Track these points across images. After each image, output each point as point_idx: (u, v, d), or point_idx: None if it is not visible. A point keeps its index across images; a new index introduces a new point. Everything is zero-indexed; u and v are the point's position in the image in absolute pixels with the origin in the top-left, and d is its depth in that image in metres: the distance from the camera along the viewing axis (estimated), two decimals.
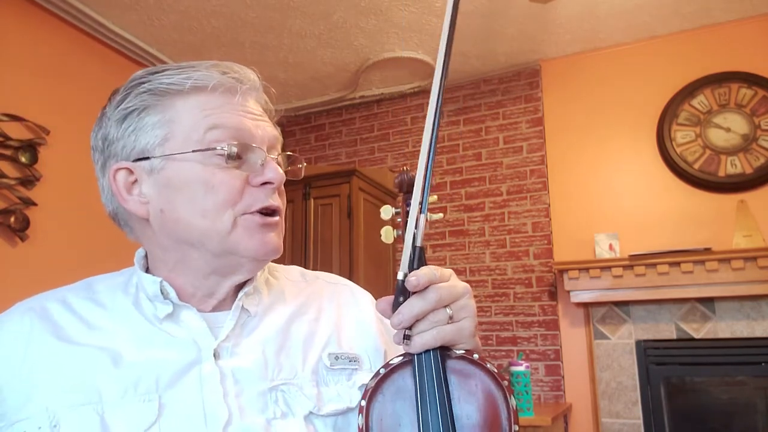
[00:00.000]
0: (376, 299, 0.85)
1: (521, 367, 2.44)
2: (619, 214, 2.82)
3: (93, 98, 2.62)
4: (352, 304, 0.79)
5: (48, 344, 0.62)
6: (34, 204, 2.27)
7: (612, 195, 2.86)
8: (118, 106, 0.67)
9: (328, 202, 2.97)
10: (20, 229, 2.21)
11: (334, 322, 0.74)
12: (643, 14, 2.72)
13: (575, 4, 2.61)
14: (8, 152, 2.21)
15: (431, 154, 0.60)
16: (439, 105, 0.60)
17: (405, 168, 0.70)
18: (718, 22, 2.79)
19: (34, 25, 2.41)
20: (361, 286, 0.87)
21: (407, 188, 0.68)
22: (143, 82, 0.67)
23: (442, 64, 0.60)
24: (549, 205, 2.99)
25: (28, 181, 2.27)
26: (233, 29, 2.76)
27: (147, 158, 0.65)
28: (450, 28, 0.60)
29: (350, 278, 0.88)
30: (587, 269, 2.67)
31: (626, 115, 2.91)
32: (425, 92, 3.42)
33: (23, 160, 2.25)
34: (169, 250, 0.67)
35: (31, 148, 2.28)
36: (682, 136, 2.76)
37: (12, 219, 2.18)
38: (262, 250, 0.66)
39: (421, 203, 0.60)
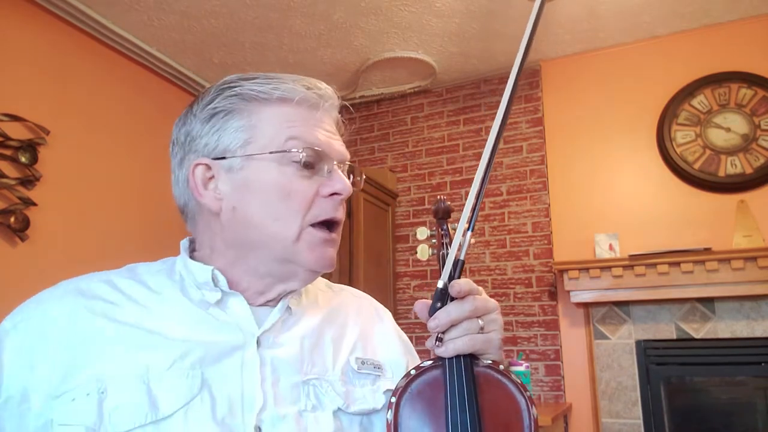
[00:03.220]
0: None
1: (521, 367, 2.44)
2: (619, 214, 2.82)
3: (93, 98, 2.64)
4: (375, 318, 0.84)
5: (92, 322, 0.64)
6: (34, 204, 2.27)
7: (612, 195, 2.86)
8: (206, 106, 0.71)
9: None
10: (20, 229, 2.21)
11: (360, 331, 0.79)
12: (643, 14, 2.72)
13: (575, 4, 2.61)
14: (8, 152, 2.21)
15: (485, 179, 0.65)
16: (500, 135, 0.66)
17: (441, 197, 0.79)
18: (718, 22, 2.79)
19: (34, 26, 2.41)
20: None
21: (443, 215, 0.76)
22: (234, 86, 0.70)
23: (505, 107, 0.66)
24: (549, 205, 2.99)
25: (28, 181, 2.27)
26: (233, 29, 2.76)
27: (227, 157, 0.69)
28: (525, 55, 0.64)
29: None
30: (587, 269, 2.67)
31: (626, 115, 2.91)
32: (425, 92, 3.42)
33: (23, 160, 2.25)
34: (232, 246, 0.70)
35: (31, 148, 2.28)
36: (682, 136, 2.76)
37: (12, 219, 2.18)
38: (320, 263, 0.70)
39: (469, 221, 0.65)
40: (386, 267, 3.21)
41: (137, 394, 0.59)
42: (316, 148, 0.69)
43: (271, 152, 0.68)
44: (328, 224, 0.71)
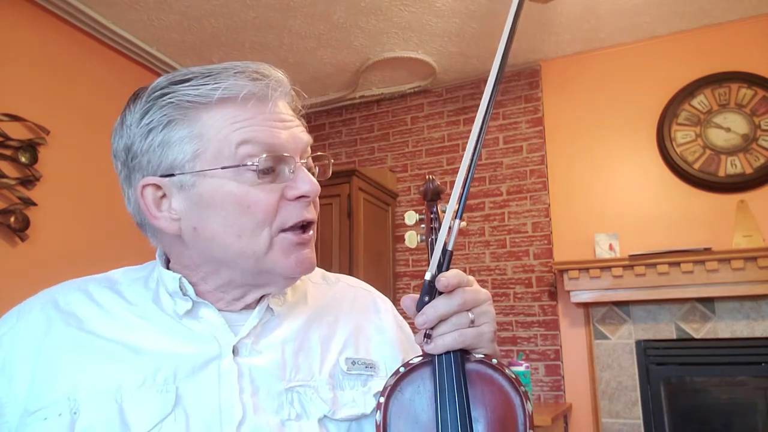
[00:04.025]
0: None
1: (521, 367, 2.43)
2: (619, 214, 2.82)
3: (93, 98, 2.64)
4: (372, 310, 0.79)
5: (68, 335, 0.62)
6: (34, 204, 2.27)
7: (612, 195, 2.86)
8: (141, 119, 0.64)
9: (328, 202, 2.97)
10: (20, 229, 2.21)
11: (353, 327, 0.74)
12: (643, 14, 2.72)
13: (575, 4, 2.61)
14: (8, 152, 2.21)
15: (472, 166, 0.61)
16: (486, 121, 0.62)
17: (430, 176, 0.72)
18: (718, 22, 2.79)
19: (34, 25, 2.41)
20: None
21: (432, 196, 0.71)
22: (165, 94, 0.64)
23: (490, 91, 0.62)
24: (549, 205, 2.99)
25: (28, 181, 2.27)
26: (233, 29, 2.76)
27: (176, 174, 0.63)
28: (506, 51, 0.62)
29: None
30: (587, 269, 2.67)
31: (626, 115, 2.91)
32: (425, 92, 3.42)
33: (23, 160, 2.25)
34: (202, 264, 0.66)
35: (31, 148, 2.28)
36: (682, 136, 2.76)
37: (12, 219, 2.18)
38: (299, 269, 0.66)
39: (457, 210, 0.61)
40: (386, 267, 3.21)
41: (109, 415, 0.57)
42: (274, 153, 0.63)
43: (223, 167, 0.61)
44: (301, 225, 0.66)
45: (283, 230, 0.64)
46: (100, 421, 0.57)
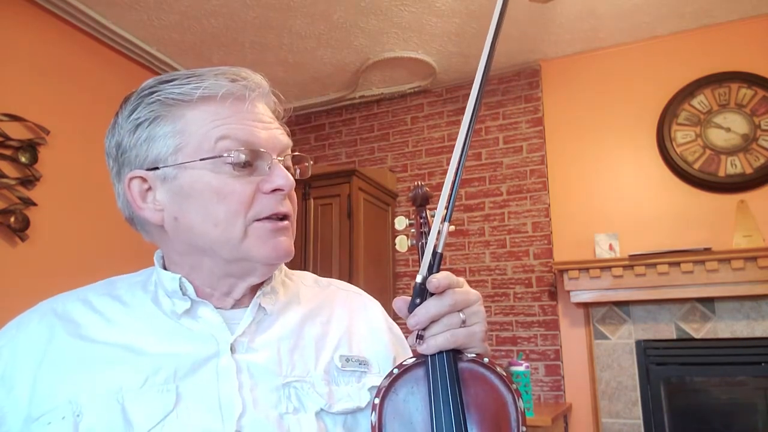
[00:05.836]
0: (377, 300, 0.87)
1: (521, 367, 2.44)
2: (619, 214, 2.82)
3: (93, 98, 2.64)
4: (362, 311, 0.82)
5: (68, 343, 0.64)
6: (34, 204, 2.27)
7: (612, 195, 2.86)
8: (129, 116, 0.68)
9: (328, 202, 2.97)
10: (20, 229, 2.21)
11: (346, 326, 0.77)
12: (643, 14, 2.72)
13: (575, 4, 2.61)
14: (8, 152, 2.21)
15: (459, 170, 0.62)
16: (471, 125, 0.63)
17: (419, 183, 0.74)
18: (718, 22, 2.79)
19: (34, 25, 2.41)
20: (361, 287, 0.89)
21: (421, 201, 0.73)
22: (153, 92, 0.68)
23: (475, 98, 0.64)
24: (549, 205, 2.99)
25: (28, 181, 2.27)
26: (233, 29, 2.76)
27: (160, 167, 0.67)
28: (490, 55, 0.63)
29: (350, 278, 0.89)
30: (587, 269, 2.67)
31: (626, 115, 2.91)
32: (425, 92, 3.42)
33: (23, 160, 2.25)
34: (184, 254, 0.69)
35: (31, 148, 2.28)
36: (682, 136, 2.76)
37: (12, 219, 2.18)
38: (274, 255, 0.68)
39: (445, 213, 0.62)
40: (386, 267, 3.21)
41: (112, 415, 0.59)
42: (250, 147, 0.66)
43: (202, 159, 0.65)
44: (275, 217, 0.69)
45: (258, 220, 0.67)
46: (103, 421, 0.58)
